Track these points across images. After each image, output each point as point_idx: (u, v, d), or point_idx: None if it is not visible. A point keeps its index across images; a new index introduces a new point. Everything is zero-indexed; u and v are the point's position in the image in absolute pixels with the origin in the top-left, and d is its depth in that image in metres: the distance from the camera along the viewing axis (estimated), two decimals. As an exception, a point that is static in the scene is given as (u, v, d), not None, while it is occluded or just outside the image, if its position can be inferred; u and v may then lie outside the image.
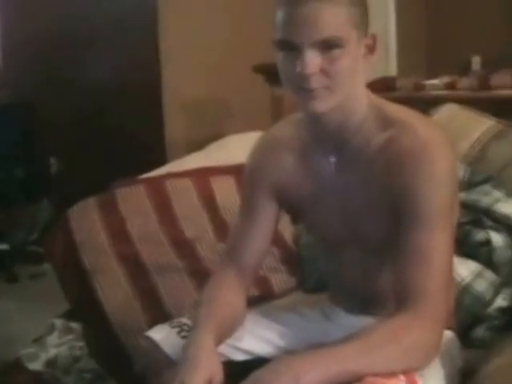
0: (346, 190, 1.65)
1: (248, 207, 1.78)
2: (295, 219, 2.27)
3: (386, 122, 1.60)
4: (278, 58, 1.54)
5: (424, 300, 1.47)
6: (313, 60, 1.48)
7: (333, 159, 1.65)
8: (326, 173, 1.67)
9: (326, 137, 1.64)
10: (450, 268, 1.55)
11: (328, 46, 1.48)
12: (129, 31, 4.52)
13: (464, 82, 3.08)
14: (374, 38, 1.57)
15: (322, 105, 1.53)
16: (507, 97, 2.77)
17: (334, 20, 1.47)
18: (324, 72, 1.49)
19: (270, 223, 1.77)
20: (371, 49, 1.57)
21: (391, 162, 1.56)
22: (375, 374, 1.41)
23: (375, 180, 1.59)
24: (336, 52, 1.48)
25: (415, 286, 1.48)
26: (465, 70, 5.53)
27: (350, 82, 1.53)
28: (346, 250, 1.72)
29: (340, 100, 1.54)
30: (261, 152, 1.79)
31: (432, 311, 1.47)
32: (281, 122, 1.83)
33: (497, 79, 2.91)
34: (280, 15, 1.50)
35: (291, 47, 1.50)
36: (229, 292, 1.71)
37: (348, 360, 1.41)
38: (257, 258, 1.77)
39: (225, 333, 1.64)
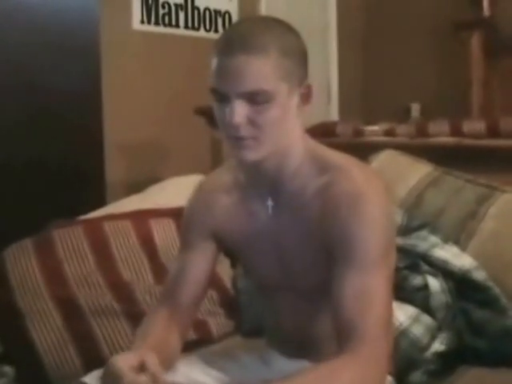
0: (280, 234, 1.65)
1: (185, 248, 1.79)
2: (233, 262, 2.27)
3: (322, 167, 1.61)
4: (213, 105, 1.56)
5: (362, 341, 1.46)
6: (239, 110, 1.49)
7: (269, 203, 1.66)
8: (262, 216, 1.68)
9: (262, 181, 1.65)
10: (388, 309, 1.55)
11: (255, 98, 1.49)
12: (71, 72, 4.49)
13: (402, 129, 3.12)
14: (308, 87, 1.58)
15: (251, 154, 1.54)
16: (444, 144, 2.82)
17: (260, 73, 1.48)
18: (252, 122, 1.50)
19: (206, 265, 1.77)
20: (306, 98, 1.58)
21: (326, 206, 1.57)
22: None
23: (310, 224, 1.60)
24: (264, 105, 1.49)
25: (353, 328, 1.47)
26: (405, 116, 5.64)
27: (279, 132, 1.54)
28: (281, 294, 1.72)
29: (269, 150, 1.55)
30: (199, 195, 1.80)
31: (371, 352, 1.46)
32: (220, 167, 1.85)
33: (434, 127, 2.96)
34: (213, 64, 1.52)
35: (221, 96, 1.51)
36: (163, 329, 1.70)
37: None
38: (193, 299, 1.76)
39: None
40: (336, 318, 1.52)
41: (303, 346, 1.74)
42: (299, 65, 1.55)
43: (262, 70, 1.48)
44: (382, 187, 1.60)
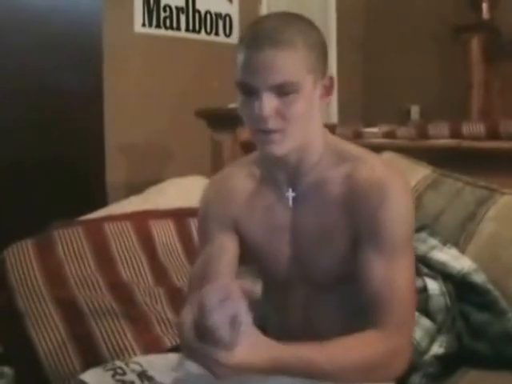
0: (300, 225, 1.67)
1: (206, 242, 1.77)
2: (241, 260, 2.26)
3: (342, 158, 1.65)
4: (239, 99, 1.58)
5: (390, 317, 1.52)
6: (269, 103, 1.52)
7: (290, 194, 1.68)
8: (281, 208, 1.69)
9: (281, 173, 1.68)
10: (412, 293, 1.60)
11: (283, 90, 1.52)
12: (73, 75, 4.50)
13: (402, 131, 3.12)
14: (331, 79, 1.62)
15: (278, 148, 1.57)
16: (443, 146, 2.82)
17: (289, 66, 1.51)
18: (280, 115, 1.54)
19: (230, 255, 1.75)
20: (328, 90, 1.62)
21: (351, 195, 1.60)
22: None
23: (332, 213, 1.62)
24: (291, 96, 1.52)
25: (381, 308, 1.53)
26: (404, 119, 5.64)
27: (305, 124, 1.58)
28: (294, 289, 1.72)
29: (295, 144, 1.58)
30: (215, 189, 1.80)
31: (400, 330, 1.53)
32: (234, 162, 1.87)
33: (434, 129, 2.96)
34: (240, 58, 1.54)
35: (249, 89, 1.53)
36: None
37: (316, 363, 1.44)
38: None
39: None
40: (365, 301, 1.57)
41: None
42: (322, 58, 1.59)
43: (290, 62, 1.51)
44: (402, 175, 1.66)
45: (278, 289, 1.78)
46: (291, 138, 1.57)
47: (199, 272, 1.77)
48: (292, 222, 1.69)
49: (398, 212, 1.59)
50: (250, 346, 1.35)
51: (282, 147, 1.57)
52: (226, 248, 1.75)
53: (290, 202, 1.69)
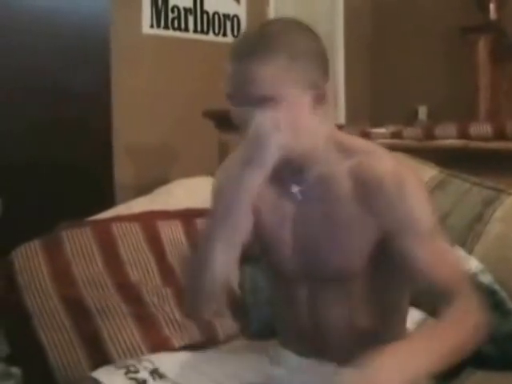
0: (307, 220, 1.68)
1: None
2: (240, 264, 2.27)
3: (348, 152, 1.65)
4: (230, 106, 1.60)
5: (457, 295, 1.54)
6: (247, 113, 1.55)
7: (295, 189, 1.69)
8: (288, 203, 1.70)
9: (285, 170, 1.68)
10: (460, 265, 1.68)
11: (263, 102, 1.52)
12: (81, 76, 4.51)
13: (409, 132, 3.13)
14: (320, 89, 1.60)
15: None
16: (451, 147, 2.83)
17: (266, 80, 1.52)
18: None
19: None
20: (319, 99, 1.60)
21: (360, 188, 1.61)
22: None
23: (341, 208, 1.63)
24: (271, 106, 1.53)
25: (445, 289, 1.55)
26: (412, 119, 5.64)
27: (292, 130, 1.56)
28: (300, 284, 1.73)
29: (286, 147, 1.57)
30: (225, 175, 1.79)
31: (470, 296, 1.56)
32: None
33: (441, 130, 2.96)
34: (227, 68, 1.57)
35: (233, 100, 1.57)
36: None
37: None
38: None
39: None
40: (426, 289, 1.60)
41: (321, 344, 1.75)
42: (312, 67, 1.58)
43: (267, 75, 1.52)
44: (409, 165, 1.71)
45: (285, 284, 1.79)
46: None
47: None
48: (297, 216, 1.69)
49: (418, 198, 1.61)
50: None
51: None
52: None
53: (296, 197, 1.69)
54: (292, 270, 1.73)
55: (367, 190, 1.60)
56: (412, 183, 1.62)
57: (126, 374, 1.72)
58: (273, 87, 1.52)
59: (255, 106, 1.53)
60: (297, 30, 1.60)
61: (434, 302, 1.61)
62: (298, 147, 1.61)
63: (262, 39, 1.55)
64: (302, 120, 1.59)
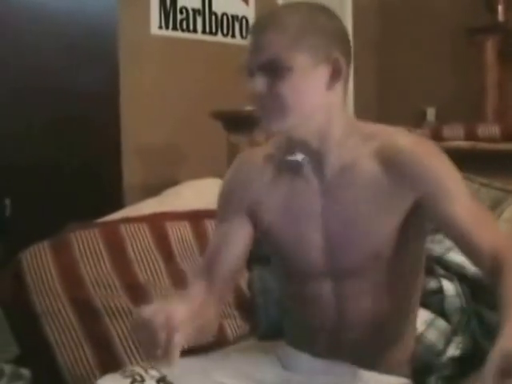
0: (330, 210, 1.67)
1: (222, 223, 1.80)
2: (249, 264, 2.27)
3: (367, 135, 1.66)
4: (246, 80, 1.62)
5: (507, 245, 1.55)
6: (260, 81, 1.57)
7: (316, 178, 1.68)
8: (308, 193, 1.69)
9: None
10: None
11: (272, 68, 1.56)
12: (89, 76, 4.52)
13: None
14: (335, 62, 1.60)
15: (274, 124, 1.60)
16: (459, 148, 2.83)
17: (274, 44, 1.56)
18: (274, 93, 1.57)
19: (244, 240, 1.77)
20: (335, 75, 1.61)
21: (387, 167, 1.62)
22: None
23: (370, 190, 1.63)
24: (282, 74, 1.56)
25: (493, 241, 1.55)
26: (420, 120, 5.63)
27: (303, 102, 1.59)
28: (323, 278, 1.71)
29: (296, 121, 1.59)
30: (237, 171, 1.82)
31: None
32: (254, 148, 1.90)
33: (449, 131, 2.97)
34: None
35: (248, 71, 1.59)
36: (200, 304, 1.68)
37: None
38: (231, 274, 1.79)
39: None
40: (471, 251, 1.59)
41: (338, 342, 1.74)
42: (326, 42, 1.60)
43: (276, 41, 1.56)
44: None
45: (303, 282, 1.76)
46: (288, 114, 1.58)
47: (210, 253, 1.80)
48: (322, 207, 1.67)
49: (448, 164, 1.62)
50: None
51: (278, 123, 1.59)
52: (237, 234, 1.77)
53: (318, 187, 1.68)
54: (316, 266, 1.71)
55: (397, 164, 1.61)
56: (439, 153, 1.64)
57: (132, 383, 1.71)
58: (282, 51, 1.55)
59: (267, 73, 1.56)
60: (310, 8, 1.63)
61: (479, 265, 1.60)
62: (310, 124, 1.61)
63: (274, 14, 1.63)
64: (315, 93, 1.60)
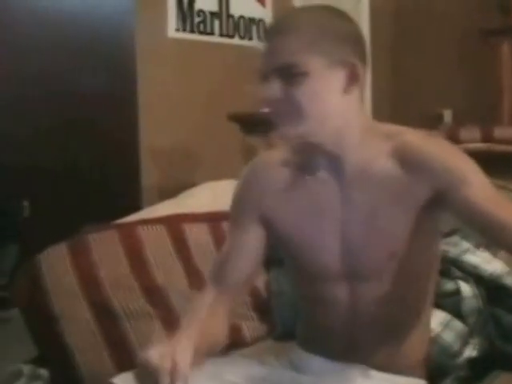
0: (348, 211, 1.66)
1: (235, 228, 1.80)
2: (267, 266, 2.27)
3: (384, 136, 1.65)
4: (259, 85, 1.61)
5: None
6: (273, 86, 1.56)
7: (333, 181, 1.67)
8: (325, 195, 1.68)
9: (321, 159, 1.67)
10: None
11: (287, 72, 1.54)
12: (106, 79, 4.55)
13: (435, 134, 3.13)
14: (351, 66, 1.59)
15: (290, 130, 1.59)
16: (475, 150, 2.82)
17: (288, 48, 1.55)
18: (288, 98, 1.55)
19: (257, 245, 1.77)
20: (351, 79, 1.60)
21: (406, 167, 1.61)
22: None
23: (389, 190, 1.62)
24: (295, 78, 1.54)
25: None
26: (436, 123, 5.62)
27: (319, 107, 1.58)
28: (340, 281, 1.71)
29: (312, 126, 1.58)
30: (251, 175, 1.81)
31: None
32: (270, 151, 1.88)
33: (466, 133, 2.97)
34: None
35: (262, 76, 1.58)
36: (209, 314, 1.71)
37: None
38: (243, 280, 1.78)
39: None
40: (500, 231, 1.55)
41: (352, 344, 1.74)
42: (342, 46, 1.59)
43: (291, 45, 1.55)
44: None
45: (318, 285, 1.75)
46: (303, 119, 1.57)
47: (222, 259, 1.80)
48: (341, 210, 1.67)
49: (464, 157, 1.62)
50: None
51: (294, 128, 1.58)
52: (250, 240, 1.77)
53: (335, 188, 1.67)
54: (332, 269, 1.70)
55: (414, 161, 1.60)
56: (456, 149, 1.65)
57: None
58: (297, 55, 1.54)
59: (281, 77, 1.55)
60: (326, 11, 1.64)
61: (507, 243, 1.57)
62: (327, 128, 1.61)
63: (289, 18, 1.62)
64: (331, 98, 1.59)
